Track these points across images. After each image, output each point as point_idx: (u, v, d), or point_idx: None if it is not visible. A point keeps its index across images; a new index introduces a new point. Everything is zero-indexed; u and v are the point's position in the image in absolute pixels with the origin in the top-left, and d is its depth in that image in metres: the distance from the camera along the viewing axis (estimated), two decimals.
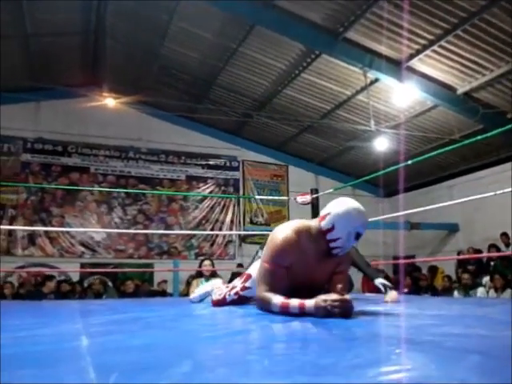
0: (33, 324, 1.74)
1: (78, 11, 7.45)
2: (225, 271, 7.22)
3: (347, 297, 1.62)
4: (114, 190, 9.49)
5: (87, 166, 9.68)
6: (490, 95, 7.24)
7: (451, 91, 7.26)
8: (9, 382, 0.73)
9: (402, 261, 8.47)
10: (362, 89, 7.83)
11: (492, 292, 6.15)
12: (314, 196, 5.11)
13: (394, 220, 8.32)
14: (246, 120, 9.84)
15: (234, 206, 10.69)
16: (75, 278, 8.61)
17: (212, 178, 10.64)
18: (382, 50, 6.74)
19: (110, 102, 8.77)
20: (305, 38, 6.89)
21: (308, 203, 5.16)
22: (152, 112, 9.82)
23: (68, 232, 9.16)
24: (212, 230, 10.21)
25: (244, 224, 10.72)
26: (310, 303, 1.63)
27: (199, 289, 2.98)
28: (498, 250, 7.05)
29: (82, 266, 9.19)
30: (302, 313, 1.64)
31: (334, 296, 1.62)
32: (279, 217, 10.83)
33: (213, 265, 4.88)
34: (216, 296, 2.44)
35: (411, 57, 6.74)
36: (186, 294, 5.41)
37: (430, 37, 6.32)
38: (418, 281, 7.29)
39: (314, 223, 1.97)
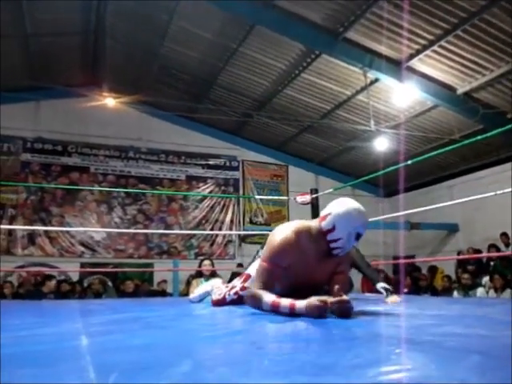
0: (33, 323, 1.74)
1: (78, 11, 7.45)
2: (225, 271, 7.21)
3: (345, 297, 1.62)
4: (114, 189, 9.48)
5: (87, 166, 9.68)
6: (490, 95, 7.24)
7: (451, 91, 7.26)
8: (9, 381, 0.72)
9: (401, 261, 8.47)
10: (362, 89, 7.83)
11: (492, 292, 6.14)
12: (314, 196, 5.11)
13: (394, 220, 8.32)
14: (245, 120, 9.84)
15: (234, 206, 10.69)
16: (75, 277, 8.61)
17: (212, 178, 10.64)
18: (382, 50, 6.74)
19: (109, 101, 8.76)
20: (305, 38, 6.89)
21: (308, 203, 5.16)
22: (152, 112, 9.82)
23: (68, 232, 9.15)
24: (212, 229, 10.21)
25: (244, 224, 10.71)
26: (300, 304, 1.63)
27: (199, 289, 2.98)
28: (498, 250, 7.05)
29: (82, 265, 9.19)
30: (291, 313, 1.64)
31: (325, 297, 1.62)
32: (279, 217, 10.83)
33: (212, 265, 4.88)
34: (216, 296, 2.44)
35: (411, 57, 6.74)
36: (186, 294, 5.40)
37: (430, 37, 6.32)
38: (417, 281, 7.29)
39: (314, 224, 1.98)
